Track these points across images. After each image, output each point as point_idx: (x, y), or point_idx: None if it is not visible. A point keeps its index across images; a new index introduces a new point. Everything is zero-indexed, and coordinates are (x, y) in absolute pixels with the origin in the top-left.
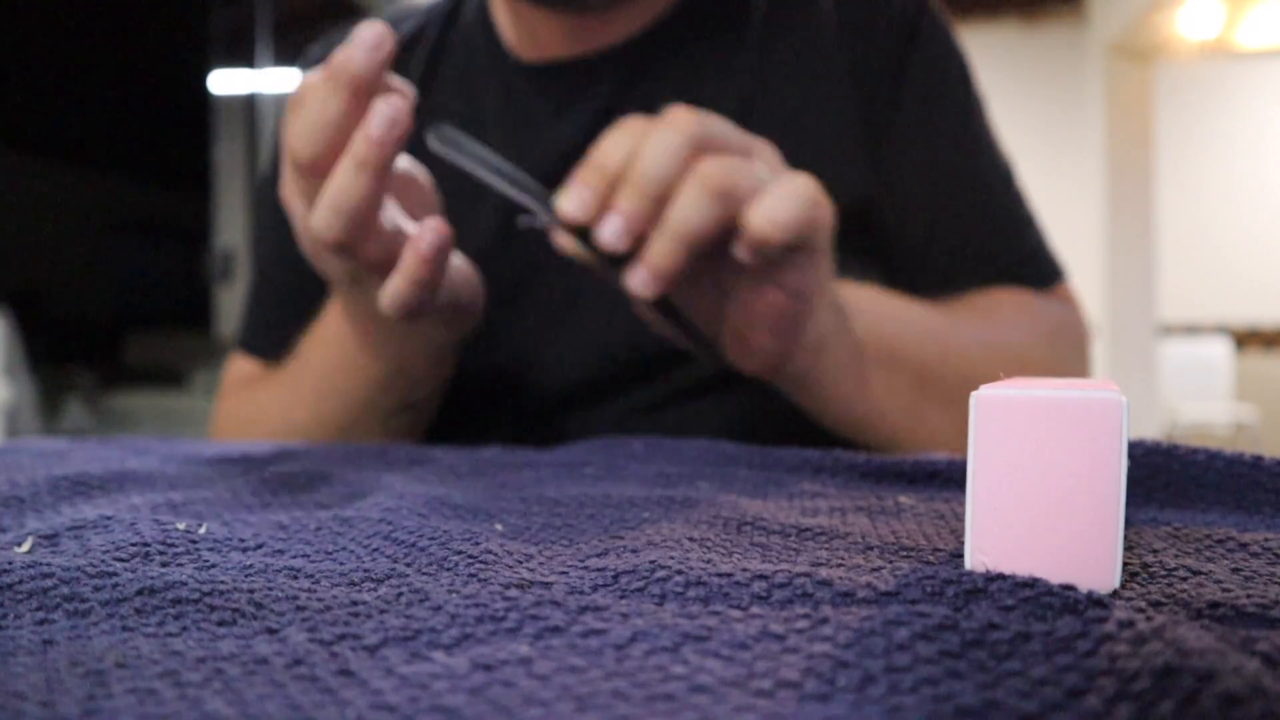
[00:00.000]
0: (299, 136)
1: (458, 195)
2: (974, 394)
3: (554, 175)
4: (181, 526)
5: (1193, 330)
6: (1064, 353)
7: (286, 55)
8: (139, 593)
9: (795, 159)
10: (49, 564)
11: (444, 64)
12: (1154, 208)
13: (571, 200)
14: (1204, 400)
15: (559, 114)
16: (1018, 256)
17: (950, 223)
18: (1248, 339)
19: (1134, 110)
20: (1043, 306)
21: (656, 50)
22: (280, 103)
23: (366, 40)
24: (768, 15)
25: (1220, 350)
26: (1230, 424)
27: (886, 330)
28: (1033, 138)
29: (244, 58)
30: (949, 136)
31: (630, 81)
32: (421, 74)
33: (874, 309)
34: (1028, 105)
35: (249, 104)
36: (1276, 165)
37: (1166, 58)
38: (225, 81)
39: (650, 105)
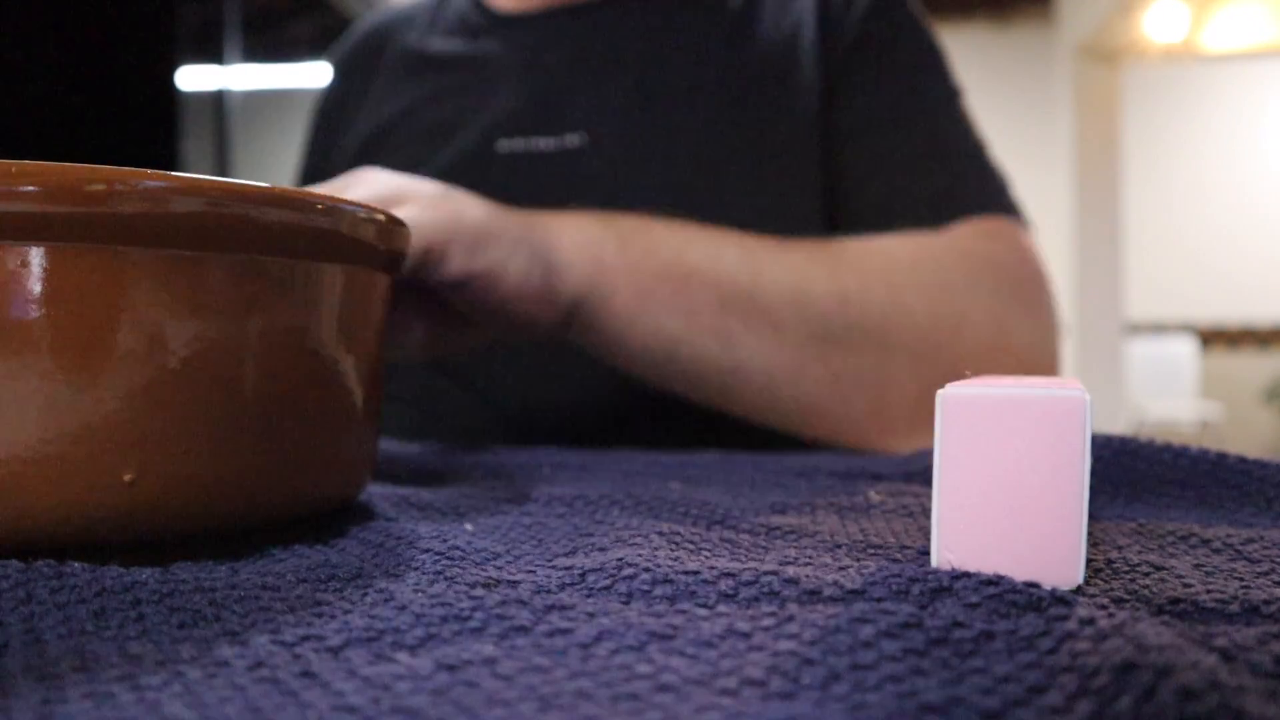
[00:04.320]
0: None
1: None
2: (940, 393)
3: (511, 126)
4: None
5: (1159, 329)
6: (961, 283)
7: (255, 52)
8: (97, 594)
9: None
10: (3, 565)
11: (439, 21)
12: (1121, 208)
13: None
14: (1170, 398)
15: (525, 66)
16: (939, 193)
17: (886, 163)
18: (1213, 338)
19: (1102, 111)
20: (938, 240)
21: (630, 9)
22: (248, 100)
23: None
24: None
25: (1186, 349)
26: (1195, 421)
27: (686, 255)
28: (1002, 137)
29: (212, 54)
30: (899, 75)
31: (598, 38)
32: (422, 32)
33: (666, 235)
34: (997, 105)
35: (218, 101)
36: (1241, 167)
37: (1134, 60)
38: (193, 78)
39: (615, 63)
